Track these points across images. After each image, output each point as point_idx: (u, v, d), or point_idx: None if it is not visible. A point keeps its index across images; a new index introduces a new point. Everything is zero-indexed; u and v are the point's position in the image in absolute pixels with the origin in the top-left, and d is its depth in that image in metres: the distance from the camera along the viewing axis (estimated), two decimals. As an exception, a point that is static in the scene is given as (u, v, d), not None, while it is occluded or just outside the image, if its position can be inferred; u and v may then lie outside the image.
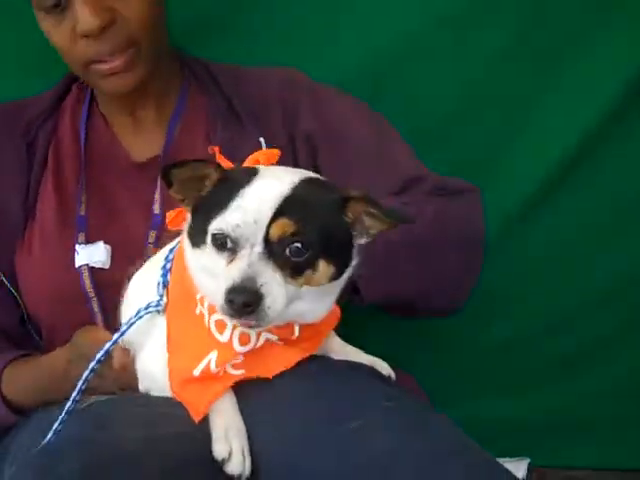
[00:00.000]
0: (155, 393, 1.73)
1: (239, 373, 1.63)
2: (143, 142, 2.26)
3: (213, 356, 1.59)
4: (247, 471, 1.56)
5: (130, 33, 2.05)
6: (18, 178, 2.22)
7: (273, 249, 1.50)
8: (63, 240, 2.16)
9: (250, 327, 1.54)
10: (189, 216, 1.64)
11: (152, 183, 2.17)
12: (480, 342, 2.89)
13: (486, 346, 2.90)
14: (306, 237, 1.51)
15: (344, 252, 1.60)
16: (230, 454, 1.55)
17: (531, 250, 2.80)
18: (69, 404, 1.67)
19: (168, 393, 1.67)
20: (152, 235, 2.12)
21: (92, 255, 2.12)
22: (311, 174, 1.63)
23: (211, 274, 1.55)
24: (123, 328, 1.71)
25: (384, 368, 1.76)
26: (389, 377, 1.75)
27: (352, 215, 1.58)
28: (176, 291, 1.69)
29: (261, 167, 1.63)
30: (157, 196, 2.15)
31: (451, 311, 2.26)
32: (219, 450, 1.56)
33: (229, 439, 1.57)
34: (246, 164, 1.70)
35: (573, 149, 2.70)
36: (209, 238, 1.53)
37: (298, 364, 1.64)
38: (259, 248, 1.49)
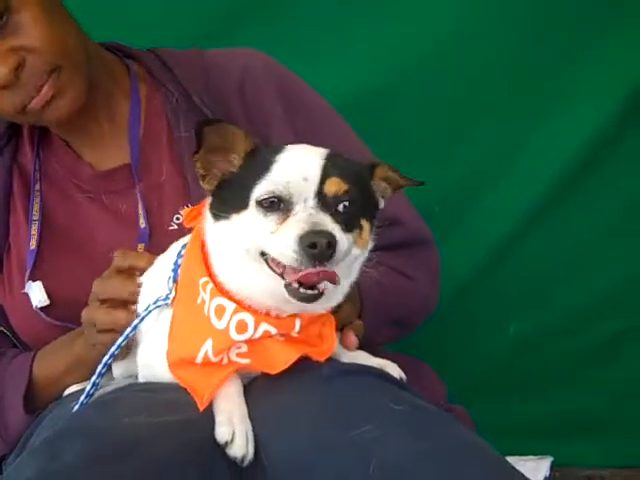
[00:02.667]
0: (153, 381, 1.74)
1: (244, 362, 1.62)
2: (106, 153, 2.18)
3: (209, 345, 1.59)
4: (250, 455, 1.54)
5: (44, 62, 1.94)
6: None
7: (326, 203, 1.52)
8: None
9: (322, 279, 1.51)
10: (209, 198, 1.64)
11: (123, 192, 2.13)
12: (501, 342, 2.91)
13: (508, 346, 2.92)
14: (353, 196, 1.54)
15: (374, 215, 1.65)
16: (233, 437, 1.53)
17: (547, 251, 2.84)
18: (90, 386, 1.73)
19: (166, 381, 1.68)
20: (140, 247, 2.06)
21: (35, 297, 2.06)
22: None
23: (249, 242, 1.55)
24: (135, 322, 1.73)
25: (394, 370, 1.74)
26: (400, 379, 1.73)
27: (377, 181, 1.64)
28: (182, 282, 1.69)
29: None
30: (141, 210, 2.08)
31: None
32: (222, 433, 1.54)
33: (232, 423, 1.55)
34: None
35: (581, 151, 2.77)
36: (252, 204, 1.53)
37: (308, 366, 1.63)
38: (312, 202, 1.51)
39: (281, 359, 1.61)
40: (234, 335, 1.59)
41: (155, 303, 1.72)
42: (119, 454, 1.48)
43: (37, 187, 2.16)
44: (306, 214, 1.50)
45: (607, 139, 2.75)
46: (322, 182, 1.52)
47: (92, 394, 1.75)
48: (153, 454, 1.49)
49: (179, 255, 1.73)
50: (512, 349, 2.91)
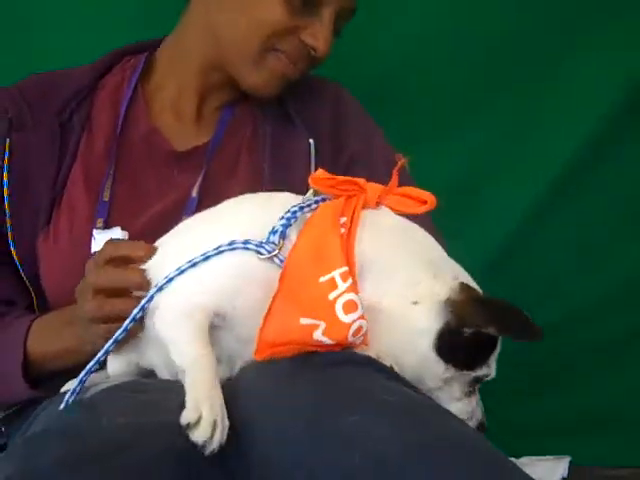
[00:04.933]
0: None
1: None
2: (186, 132, 2.21)
3: (322, 325, 1.54)
4: (214, 444, 1.44)
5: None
6: (49, 160, 2.13)
7: None
8: (89, 229, 2.07)
9: None
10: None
11: (190, 173, 2.13)
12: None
13: (520, 342, 2.84)
14: None
15: None
16: (199, 421, 1.44)
17: (560, 239, 2.80)
18: (77, 383, 1.66)
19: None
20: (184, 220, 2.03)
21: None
22: None
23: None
24: (181, 268, 1.61)
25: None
26: (391, 367, 1.66)
27: None
28: (306, 249, 1.60)
29: None
30: (200, 179, 2.10)
31: None
32: (186, 415, 1.45)
33: (200, 407, 1.46)
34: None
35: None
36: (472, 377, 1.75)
37: (297, 356, 1.58)
38: None
39: None
40: (351, 335, 1.57)
41: (245, 244, 1.61)
42: (101, 456, 1.42)
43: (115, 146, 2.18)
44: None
45: (615, 129, 2.72)
46: None
47: (78, 392, 1.68)
48: (136, 457, 1.43)
49: (294, 214, 1.65)
50: (525, 346, 2.83)
